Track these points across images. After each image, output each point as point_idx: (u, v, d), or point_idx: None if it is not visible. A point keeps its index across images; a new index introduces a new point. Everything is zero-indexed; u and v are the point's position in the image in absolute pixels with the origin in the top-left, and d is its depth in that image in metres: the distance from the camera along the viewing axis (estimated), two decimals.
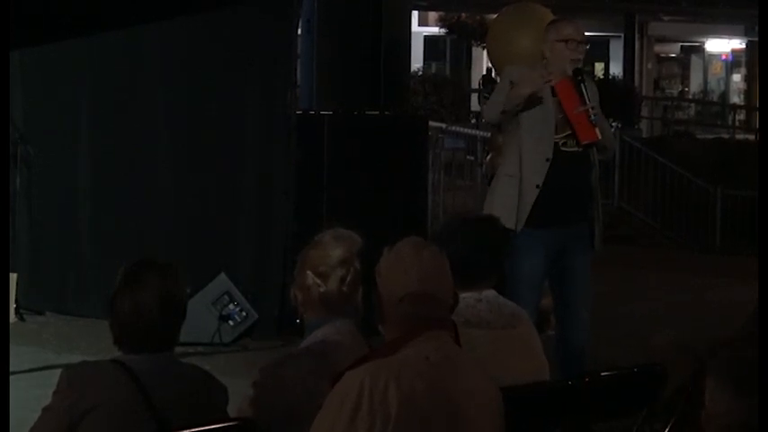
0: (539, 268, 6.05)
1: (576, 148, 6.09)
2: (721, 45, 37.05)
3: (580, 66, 6.20)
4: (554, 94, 6.10)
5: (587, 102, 6.09)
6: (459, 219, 4.49)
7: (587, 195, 6.16)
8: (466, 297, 3.96)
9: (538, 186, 6.04)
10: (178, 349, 3.67)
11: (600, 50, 35.01)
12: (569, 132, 6.08)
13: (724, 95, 35.79)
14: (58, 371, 3.51)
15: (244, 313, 8.37)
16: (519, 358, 4.10)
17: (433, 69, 28.73)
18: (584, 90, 6.11)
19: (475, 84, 30.41)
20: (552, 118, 6.07)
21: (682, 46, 37.78)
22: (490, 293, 4.19)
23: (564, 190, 6.07)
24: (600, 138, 6.10)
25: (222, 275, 8.39)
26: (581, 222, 6.16)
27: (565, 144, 6.08)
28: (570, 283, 6.17)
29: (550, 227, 6.05)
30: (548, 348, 6.15)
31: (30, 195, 9.17)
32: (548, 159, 6.04)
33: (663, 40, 35.81)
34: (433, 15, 30.86)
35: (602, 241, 6.30)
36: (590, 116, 6.08)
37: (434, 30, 30.89)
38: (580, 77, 6.17)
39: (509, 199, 6.08)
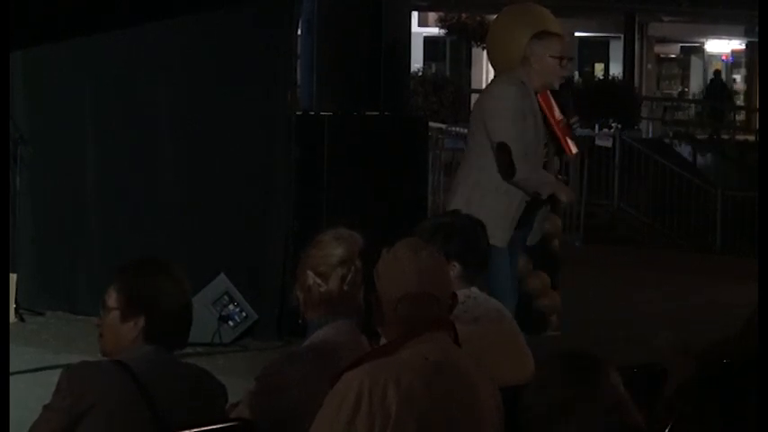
0: (506, 269, 6.22)
1: (547, 157, 6.30)
2: (721, 46, 37.06)
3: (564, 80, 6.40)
4: (539, 107, 6.28)
5: (572, 115, 6.27)
6: (449, 218, 4.58)
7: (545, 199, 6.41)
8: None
9: (527, 202, 6.24)
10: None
11: (600, 51, 35.03)
12: (546, 141, 6.26)
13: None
14: (58, 371, 3.51)
15: (244, 314, 8.37)
16: (506, 352, 4.19)
17: (433, 70, 28.70)
18: (569, 104, 6.29)
19: (475, 84, 30.41)
20: (542, 131, 6.23)
21: (682, 47, 37.79)
22: (475, 290, 4.29)
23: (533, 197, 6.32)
24: (578, 151, 6.36)
25: (222, 276, 8.39)
26: (528, 223, 6.40)
27: (545, 154, 6.30)
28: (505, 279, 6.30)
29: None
30: (548, 348, 6.18)
31: (31, 195, 9.18)
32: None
33: (663, 40, 35.82)
34: (432, 16, 30.85)
35: (539, 237, 6.60)
36: (573, 129, 6.29)
37: (434, 30, 30.87)
38: (568, 92, 6.36)
39: (493, 215, 6.14)
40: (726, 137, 25.84)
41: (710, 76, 32.87)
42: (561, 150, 6.30)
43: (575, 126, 6.29)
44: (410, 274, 3.28)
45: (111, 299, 3.60)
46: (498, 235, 6.03)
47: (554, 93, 6.33)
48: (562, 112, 6.29)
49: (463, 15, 30.11)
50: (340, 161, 8.46)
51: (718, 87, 29.98)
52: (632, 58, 30.75)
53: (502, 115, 6.22)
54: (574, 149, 6.27)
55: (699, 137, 25.29)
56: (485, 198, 6.21)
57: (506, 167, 6.21)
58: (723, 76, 35.04)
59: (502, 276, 6.10)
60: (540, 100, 6.22)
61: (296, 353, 3.78)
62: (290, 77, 8.61)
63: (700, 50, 37.63)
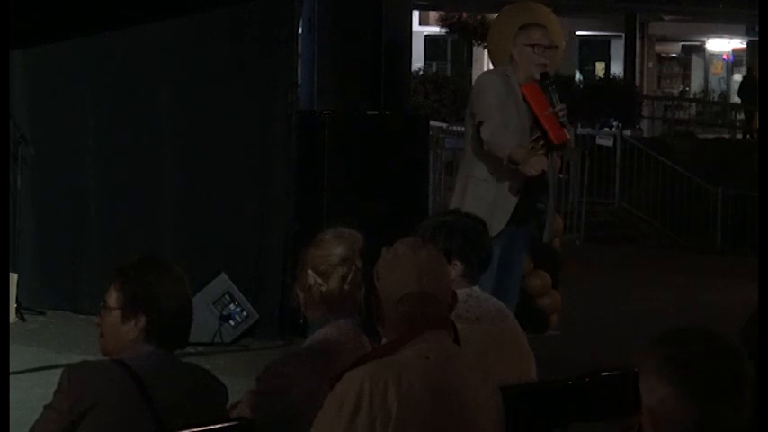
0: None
1: (542, 151, 6.30)
2: (722, 45, 37.06)
3: (547, 70, 6.42)
4: (524, 99, 6.31)
5: (556, 104, 6.31)
6: (451, 217, 4.58)
7: (545, 194, 6.44)
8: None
9: (518, 192, 6.26)
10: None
11: (601, 50, 35.02)
12: (538, 135, 6.30)
13: (725, 95, 35.77)
14: (59, 370, 3.51)
15: (244, 313, 8.37)
16: (508, 351, 4.19)
17: (434, 69, 28.72)
18: (552, 93, 6.33)
19: None
20: (527, 124, 6.31)
21: (683, 45, 37.78)
22: (477, 290, 4.29)
23: (529, 192, 6.33)
24: (569, 138, 6.36)
25: (222, 275, 8.39)
26: (530, 221, 6.44)
27: (533, 148, 6.29)
28: (508, 277, 6.32)
29: (508, 225, 6.31)
30: (548, 348, 6.19)
31: (32, 195, 9.18)
32: None
33: (664, 39, 35.82)
34: (433, 15, 30.84)
35: (552, 234, 6.78)
36: (559, 118, 6.30)
37: (435, 29, 30.88)
38: (548, 81, 6.38)
39: (484, 205, 6.19)
40: (726, 136, 25.86)
41: (741, 74, 32.61)
42: (551, 144, 6.34)
43: (561, 114, 6.33)
44: (410, 273, 3.28)
45: (112, 298, 3.59)
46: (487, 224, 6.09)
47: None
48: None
49: (464, 14, 30.12)
50: (340, 160, 8.46)
51: (751, 87, 29.31)
52: (633, 57, 30.76)
53: (482, 98, 6.37)
54: (564, 136, 6.31)
55: (699, 136, 25.30)
56: (476, 187, 6.32)
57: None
58: (724, 74, 35.04)
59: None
60: (525, 92, 6.29)
61: (297, 352, 3.77)
62: (290, 77, 8.61)
63: (701, 49, 37.63)
